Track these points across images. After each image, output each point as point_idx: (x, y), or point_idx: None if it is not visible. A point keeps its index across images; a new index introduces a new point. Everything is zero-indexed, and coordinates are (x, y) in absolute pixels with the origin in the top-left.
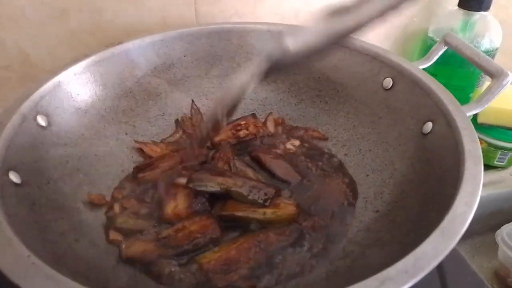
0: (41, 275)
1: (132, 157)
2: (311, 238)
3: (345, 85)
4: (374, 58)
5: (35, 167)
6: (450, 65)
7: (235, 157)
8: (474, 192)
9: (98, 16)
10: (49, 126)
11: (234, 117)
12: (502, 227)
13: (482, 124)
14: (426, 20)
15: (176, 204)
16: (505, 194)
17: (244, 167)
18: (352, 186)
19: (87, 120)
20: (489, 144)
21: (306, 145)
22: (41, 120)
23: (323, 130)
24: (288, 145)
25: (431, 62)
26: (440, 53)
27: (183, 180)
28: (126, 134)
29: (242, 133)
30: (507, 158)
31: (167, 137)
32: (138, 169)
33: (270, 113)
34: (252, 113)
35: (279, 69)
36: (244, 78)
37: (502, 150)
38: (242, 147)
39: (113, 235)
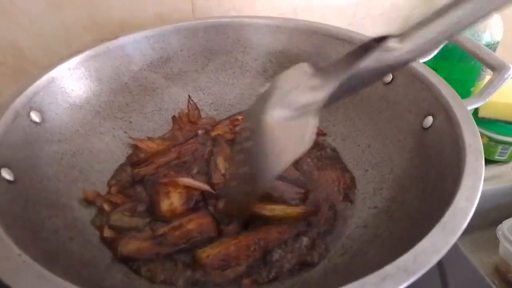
0: (32, 274)
1: (128, 153)
2: (310, 235)
3: None
4: None
5: (29, 164)
6: (450, 59)
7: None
8: (475, 187)
9: (93, 10)
10: (43, 122)
11: (231, 112)
12: (503, 222)
13: (483, 118)
14: (427, 12)
15: (172, 201)
16: (506, 189)
17: None
18: (350, 182)
19: (82, 116)
20: (490, 139)
21: None
22: (35, 116)
23: (322, 126)
24: None
25: (431, 56)
26: (441, 46)
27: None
28: (122, 129)
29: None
30: (508, 153)
31: (164, 134)
32: (134, 164)
33: None
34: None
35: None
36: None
37: (503, 145)
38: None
39: (107, 232)
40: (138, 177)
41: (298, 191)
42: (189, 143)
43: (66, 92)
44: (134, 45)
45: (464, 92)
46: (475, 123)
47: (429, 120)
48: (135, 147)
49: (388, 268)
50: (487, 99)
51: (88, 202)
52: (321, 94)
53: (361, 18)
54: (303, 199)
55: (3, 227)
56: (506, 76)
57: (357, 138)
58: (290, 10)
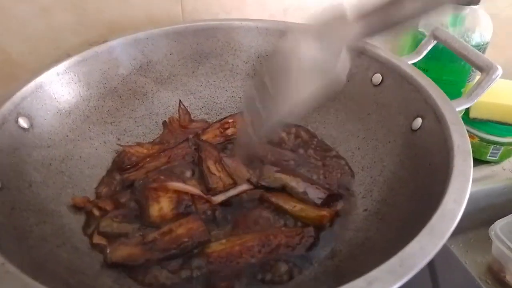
0: (16, 284)
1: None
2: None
3: None
4: (362, 54)
5: (16, 170)
6: (441, 60)
7: (223, 155)
8: (463, 188)
9: (81, 13)
10: (31, 128)
11: (222, 116)
12: (495, 222)
13: (474, 119)
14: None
15: (161, 206)
16: (498, 189)
17: (235, 164)
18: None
19: (71, 121)
20: (482, 139)
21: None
22: (23, 122)
23: (313, 128)
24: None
25: (421, 57)
26: (430, 47)
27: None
28: (112, 134)
29: (230, 131)
30: (499, 153)
31: (154, 139)
32: (122, 169)
33: None
34: (241, 111)
35: None
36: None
37: (495, 145)
38: (230, 145)
39: (97, 239)
40: (127, 182)
41: (321, 195)
42: (180, 147)
43: (55, 97)
44: (123, 49)
45: (455, 93)
46: (463, 123)
47: (418, 121)
48: (123, 153)
49: (375, 272)
50: (475, 100)
51: (77, 208)
52: (355, 28)
53: None
54: (324, 203)
55: None
56: (494, 76)
57: (347, 140)
58: (280, 11)
